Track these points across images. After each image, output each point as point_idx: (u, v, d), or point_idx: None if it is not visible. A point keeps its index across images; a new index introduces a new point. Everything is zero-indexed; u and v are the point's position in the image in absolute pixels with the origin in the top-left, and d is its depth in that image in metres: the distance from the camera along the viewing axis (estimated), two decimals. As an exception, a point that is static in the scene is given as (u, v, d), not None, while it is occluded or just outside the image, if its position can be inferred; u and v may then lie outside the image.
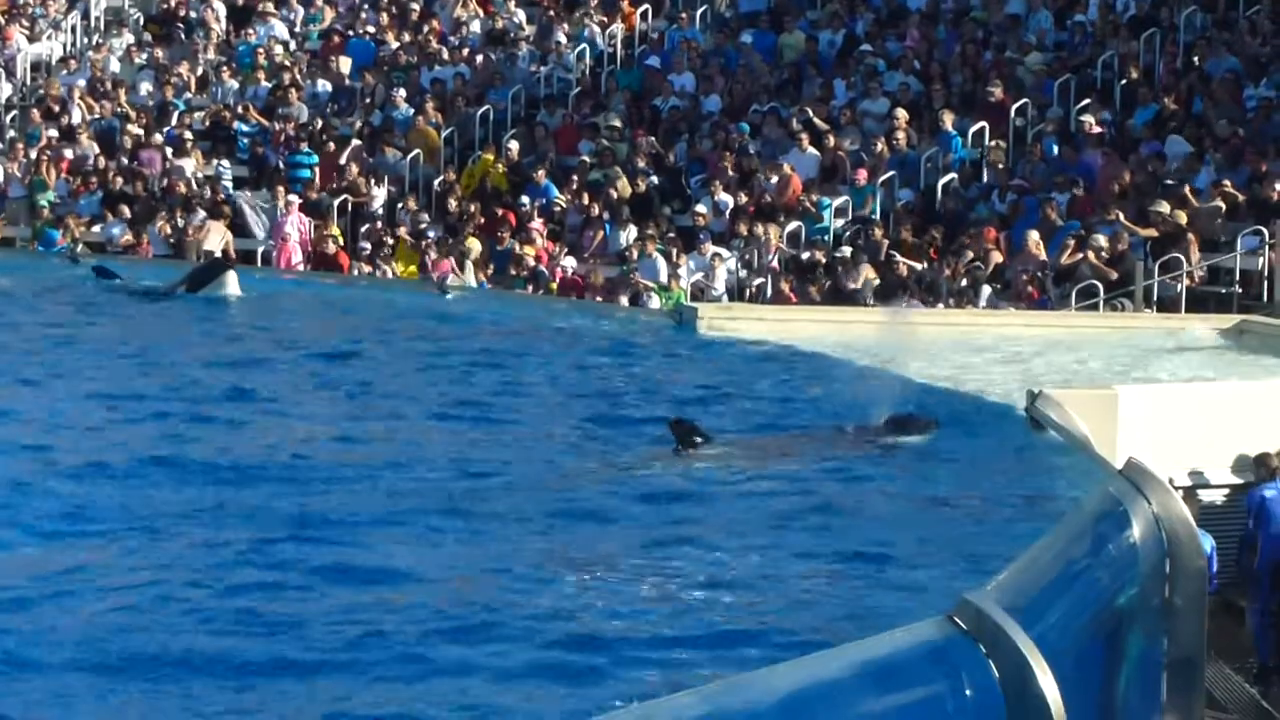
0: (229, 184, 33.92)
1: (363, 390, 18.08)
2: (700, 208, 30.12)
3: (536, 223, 30.30)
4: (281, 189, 32.33)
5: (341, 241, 31.14)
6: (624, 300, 27.79)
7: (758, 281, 28.27)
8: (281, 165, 33.79)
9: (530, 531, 12.02)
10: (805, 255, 28.36)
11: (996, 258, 27.60)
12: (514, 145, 32.80)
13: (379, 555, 11.25)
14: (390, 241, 30.63)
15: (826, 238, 29.27)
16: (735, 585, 10.89)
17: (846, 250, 28.35)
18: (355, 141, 33.87)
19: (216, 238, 31.59)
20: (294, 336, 22.81)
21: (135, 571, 10.89)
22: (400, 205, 31.96)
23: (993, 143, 30.25)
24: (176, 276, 25.80)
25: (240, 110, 35.42)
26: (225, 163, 34.43)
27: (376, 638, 9.69)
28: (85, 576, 10.91)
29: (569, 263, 29.32)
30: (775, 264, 28.04)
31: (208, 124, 35.78)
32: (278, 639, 9.74)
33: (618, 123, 32.60)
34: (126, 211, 32.73)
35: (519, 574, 11.00)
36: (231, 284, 25.07)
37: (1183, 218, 26.64)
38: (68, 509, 12.49)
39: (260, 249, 32.50)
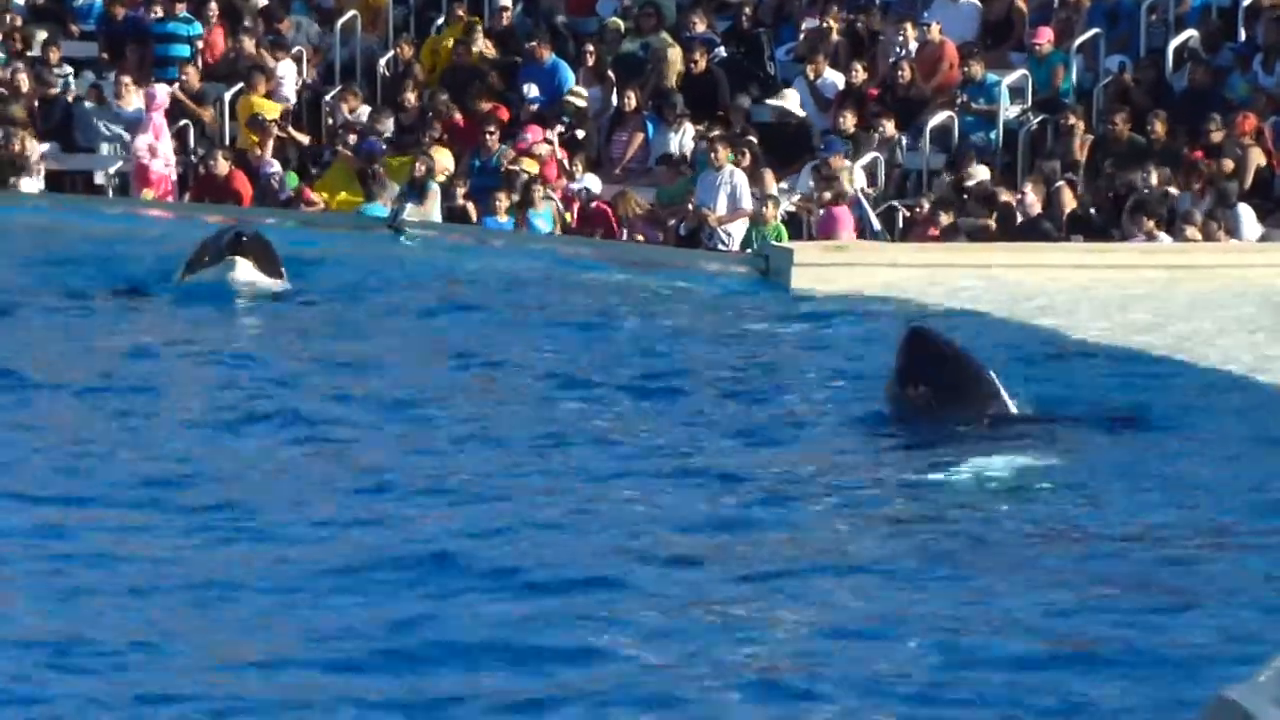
0: (68, 71, 30.07)
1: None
2: (792, 93, 26.97)
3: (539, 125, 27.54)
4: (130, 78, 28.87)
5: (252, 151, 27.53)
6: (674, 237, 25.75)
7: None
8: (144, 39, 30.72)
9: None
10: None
11: (1258, 160, 24.58)
12: (503, 4, 29.78)
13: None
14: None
15: (995, 134, 25.76)
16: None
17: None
18: (260, 1, 30.75)
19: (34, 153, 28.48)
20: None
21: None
22: (330, 96, 29.03)
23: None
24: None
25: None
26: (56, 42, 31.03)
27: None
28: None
29: (591, 183, 26.28)
30: (862, 198, 25.02)
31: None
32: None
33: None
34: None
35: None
36: (242, 269, 21.87)
37: None
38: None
39: (111, 169, 28.83)
